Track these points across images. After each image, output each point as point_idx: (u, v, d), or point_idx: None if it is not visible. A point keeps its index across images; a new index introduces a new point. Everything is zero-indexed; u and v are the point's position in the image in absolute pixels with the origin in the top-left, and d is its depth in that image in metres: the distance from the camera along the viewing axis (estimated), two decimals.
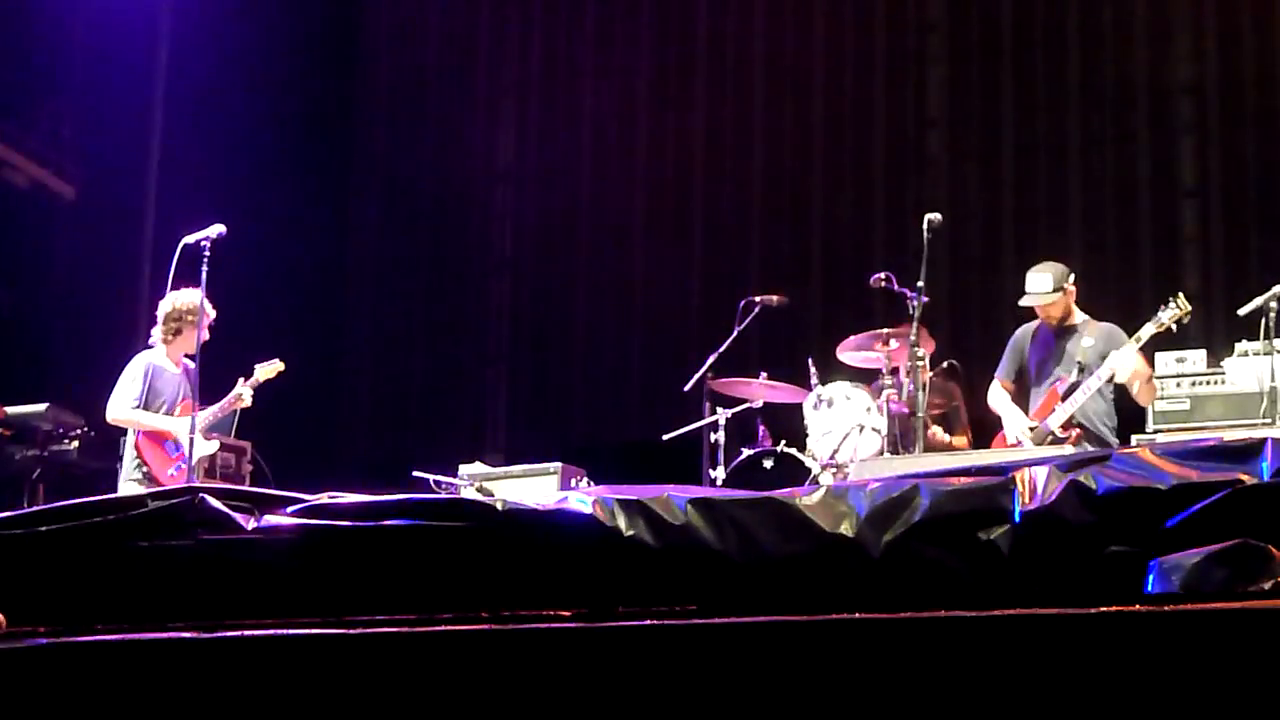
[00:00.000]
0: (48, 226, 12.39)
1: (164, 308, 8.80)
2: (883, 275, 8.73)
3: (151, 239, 12.27)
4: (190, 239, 8.31)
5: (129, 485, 8.65)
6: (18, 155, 11.98)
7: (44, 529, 4.04)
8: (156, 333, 8.86)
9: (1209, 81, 10.85)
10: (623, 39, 12.64)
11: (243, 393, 8.83)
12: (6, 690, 3.58)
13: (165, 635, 3.64)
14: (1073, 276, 8.64)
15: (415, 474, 8.94)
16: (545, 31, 12.88)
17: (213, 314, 8.71)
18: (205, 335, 8.68)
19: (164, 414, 8.71)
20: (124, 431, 8.87)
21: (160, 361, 8.82)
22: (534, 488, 8.80)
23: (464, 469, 9.41)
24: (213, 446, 8.85)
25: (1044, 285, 8.57)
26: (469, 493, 8.87)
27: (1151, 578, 3.48)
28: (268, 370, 8.96)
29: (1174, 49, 10.94)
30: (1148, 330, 8.17)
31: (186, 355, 8.90)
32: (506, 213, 12.91)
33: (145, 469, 8.65)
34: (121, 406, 8.72)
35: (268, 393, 9.03)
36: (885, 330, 8.91)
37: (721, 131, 12.21)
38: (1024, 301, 8.69)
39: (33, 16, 12.07)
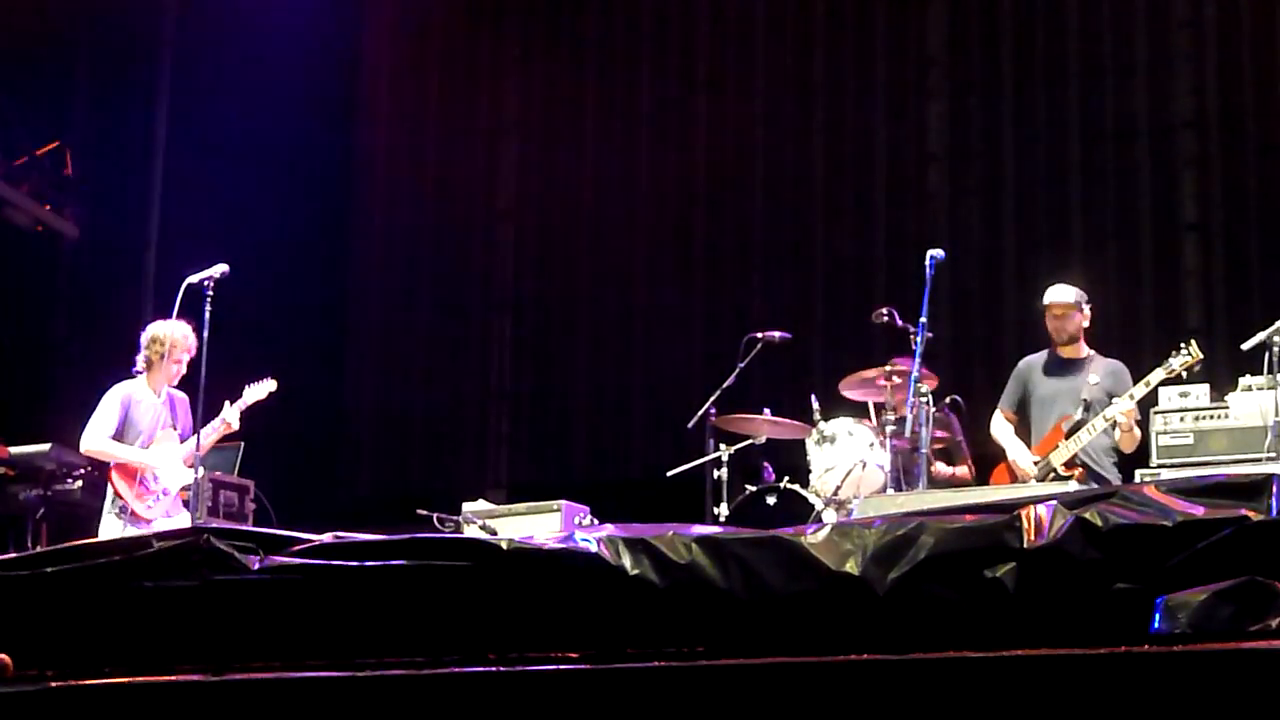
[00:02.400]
0: (50, 265, 12.42)
1: (144, 336, 8.78)
2: (884, 310, 8.74)
3: (154, 277, 12.31)
4: (194, 278, 8.31)
5: (108, 521, 8.62)
6: (20, 194, 12.01)
7: (49, 570, 4.04)
8: (139, 360, 8.78)
9: (1210, 115, 10.87)
10: (623, 75, 12.67)
11: (229, 417, 8.73)
12: None
13: (172, 679, 3.63)
14: (1089, 305, 8.69)
15: (419, 512, 8.92)
16: (545, 69, 12.91)
17: (191, 350, 8.68)
18: (179, 370, 8.71)
19: (140, 445, 8.59)
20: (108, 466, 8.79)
21: (138, 391, 8.72)
22: (537, 525, 8.78)
23: (467, 506, 9.38)
24: (190, 476, 8.69)
25: (1066, 295, 8.64)
26: (473, 531, 8.87)
27: (1157, 616, 3.47)
28: (258, 391, 8.91)
29: (1174, 83, 10.97)
30: (1157, 376, 8.19)
31: (173, 386, 8.85)
32: (508, 250, 12.91)
33: (120, 503, 8.55)
34: (94, 437, 8.62)
35: (270, 431, 9.02)
36: (887, 365, 8.91)
37: (722, 166, 12.23)
38: (1046, 299, 8.71)
39: (37, 56, 12.13)
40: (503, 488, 12.02)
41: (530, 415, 12.62)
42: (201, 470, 8.66)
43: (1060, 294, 8.68)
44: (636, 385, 12.15)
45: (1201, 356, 8.11)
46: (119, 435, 8.61)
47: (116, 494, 8.60)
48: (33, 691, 3.63)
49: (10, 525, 9.85)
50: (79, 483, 9.97)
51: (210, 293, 8.30)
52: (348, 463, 12.75)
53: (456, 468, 12.37)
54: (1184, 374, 8.18)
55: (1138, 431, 8.39)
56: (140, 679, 3.68)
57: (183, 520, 8.60)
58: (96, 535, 8.42)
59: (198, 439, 8.47)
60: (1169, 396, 8.67)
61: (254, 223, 11.96)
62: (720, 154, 12.27)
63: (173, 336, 8.64)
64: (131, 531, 8.19)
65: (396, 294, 12.92)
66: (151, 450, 8.65)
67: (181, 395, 8.90)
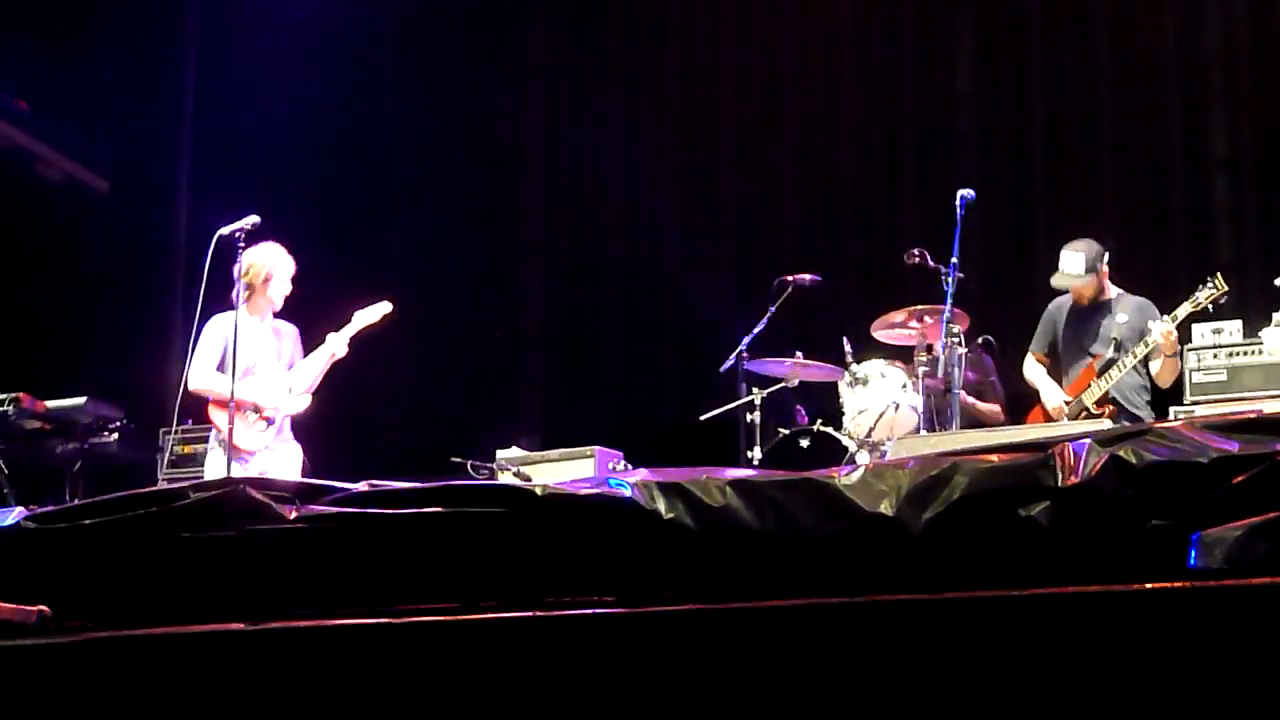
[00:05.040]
0: (81, 220, 12.43)
1: (239, 265, 8.39)
2: (915, 252, 8.70)
3: (185, 230, 12.31)
4: (225, 230, 8.21)
5: (212, 455, 8.48)
6: (50, 149, 12.02)
7: (87, 522, 4.06)
8: (240, 290, 8.41)
9: (1240, 50, 10.75)
10: (651, 22, 12.61)
11: (335, 344, 8.55)
12: (55, 684, 3.60)
13: (211, 628, 3.65)
14: (1106, 256, 8.63)
15: (453, 460, 8.94)
16: (577, 13, 12.87)
17: (291, 271, 8.56)
18: (281, 294, 8.56)
19: (241, 376, 8.19)
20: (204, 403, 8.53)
21: (239, 321, 8.26)
22: (571, 471, 8.80)
23: (501, 454, 9.41)
24: (299, 405, 8.57)
25: (1076, 266, 8.57)
26: (507, 478, 8.89)
27: (1193, 552, 3.46)
28: (369, 315, 8.69)
29: (1204, 16, 10.85)
30: (1184, 309, 8.14)
31: (278, 314, 8.67)
32: (538, 196, 12.88)
33: (221, 436, 8.28)
34: (199, 375, 8.34)
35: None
36: (919, 307, 8.88)
37: (751, 110, 12.18)
38: (1055, 282, 8.68)
39: (64, 8, 12.12)
40: (536, 434, 12.02)
41: (562, 362, 12.61)
42: (308, 401, 8.56)
43: (1068, 275, 8.60)
44: (668, 330, 12.13)
45: (1227, 289, 8.05)
46: (219, 367, 8.35)
47: (215, 427, 8.41)
48: (72, 642, 3.65)
49: (48, 479, 9.89)
50: (115, 435, 10.03)
51: (242, 245, 8.24)
52: (380, 414, 12.76)
53: (490, 416, 12.37)
54: (1210, 307, 8.12)
55: (1179, 361, 8.37)
56: (178, 628, 3.70)
57: (286, 453, 8.54)
58: (141, 486, 8.35)
59: (303, 368, 8.46)
60: (1202, 333, 8.64)
61: (285, 172, 11.95)
62: (748, 97, 12.21)
63: (269, 260, 8.48)
64: (236, 466, 8.11)
65: (427, 244, 12.89)
66: (253, 381, 8.40)
67: (289, 325, 8.72)
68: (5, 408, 9.79)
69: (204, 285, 8.11)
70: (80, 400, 10.02)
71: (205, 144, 12.66)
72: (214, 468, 8.39)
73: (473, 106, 13.05)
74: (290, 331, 8.74)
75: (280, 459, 8.49)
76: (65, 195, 12.23)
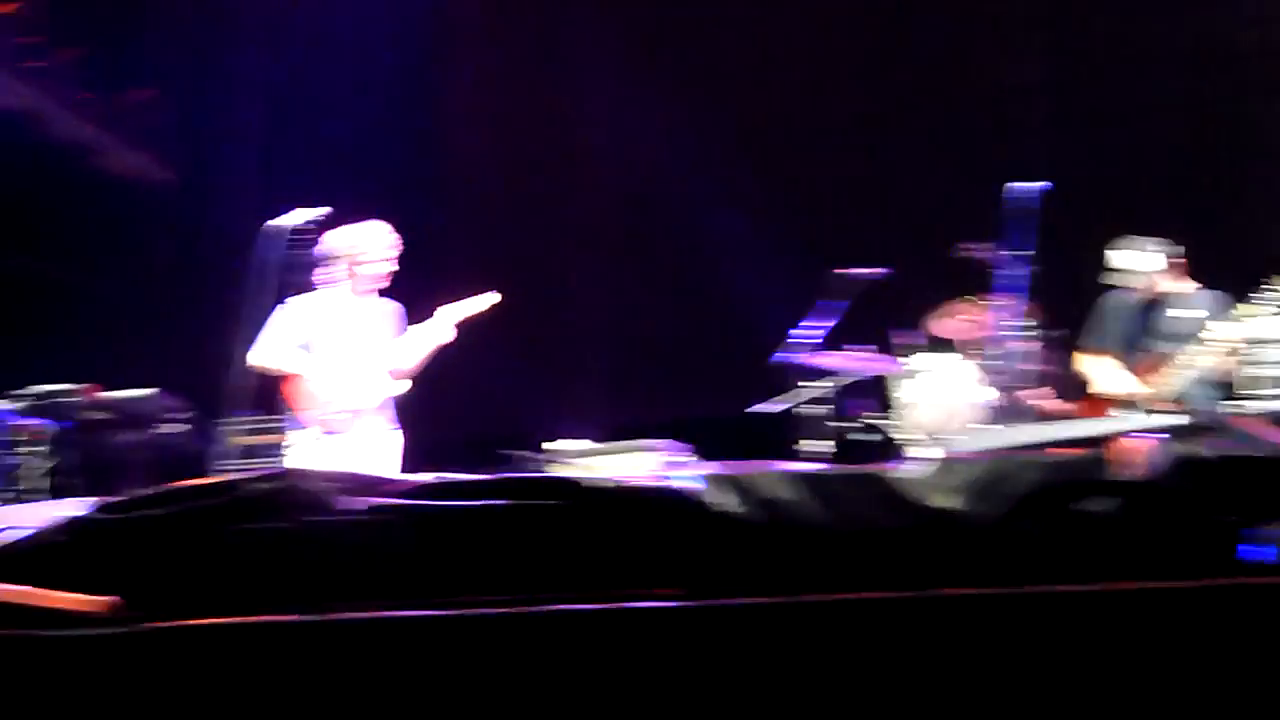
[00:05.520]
0: (149, 212, 12.50)
1: (325, 246, 8.23)
2: (974, 244, 8.64)
3: (254, 221, 12.37)
4: (295, 220, 8.11)
5: (293, 436, 8.19)
6: (114, 139, 12.10)
7: (139, 514, 4.06)
8: (333, 270, 8.24)
9: None
10: (702, 7, 12.61)
11: (439, 327, 8.21)
12: (120, 674, 3.62)
13: (268, 619, 3.65)
14: (1164, 256, 8.55)
15: (502, 452, 8.90)
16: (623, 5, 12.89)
17: (388, 249, 8.25)
18: (377, 273, 8.23)
19: (321, 360, 8.05)
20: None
21: (325, 302, 8.16)
22: (632, 464, 8.78)
23: (554, 445, 9.40)
24: (397, 386, 8.24)
25: (1140, 260, 8.52)
26: (557, 470, 8.88)
27: (1254, 547, 3.44)
28: (476, 303, 8.36)
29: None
30: (1250, 306, 8.06)
31: (379, 292, 8.34)
32: (598, 181, 12.85)
33: (297, 418, 8.10)
34: (255, 350, 8.06)
35: None
36: (980, 298, 8.83)
37: (808, 97, 12.12)
38: (1117, 276, 8.62)
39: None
40: (591, 426, 12.00)
41: (618, 352, 12.60)
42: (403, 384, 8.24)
43: (1131, 266, 8.53)
44: (724, 320, 12.09)
45: None
46: (305, 347, 8.11)
47: (290, 409, 8.14)
48: (126, 633, 3.66)
49: (109, 472, 9.94)
50: (180, 427, 10.06)
51: (310, 236, 8.14)
52: (427, 400, 12.73)
53: (544, 405, 12.36)
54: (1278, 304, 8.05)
55: (1241, 359, 8.29)
56: (235, 619, 3.70)
57: (379, 438, 8.21)
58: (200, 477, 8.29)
59: (399, 349, 8.12)
60: (1264, 327, 8.54)
61: (348, 163, 11.98)
62: (806, 84, 12.15)
63: (352, 239, 8.24)
64: (317, 452, 7.95)
65: (487, 225, 12.87)
66: (332, 361, 8.12)
67: (390, 303, 8.36)
68: (71, 399, 9.85)
69: (274, 276, 8.03)
70: (147, 391, 10.07)
71: (274, 134, 12.70)
72: (295, 450, 8.14)
73: (523, 91, 13.02)
74: (390, 310, 8.35)
75: (372, 445, 8.16)
76: (131, 188, 12.30)
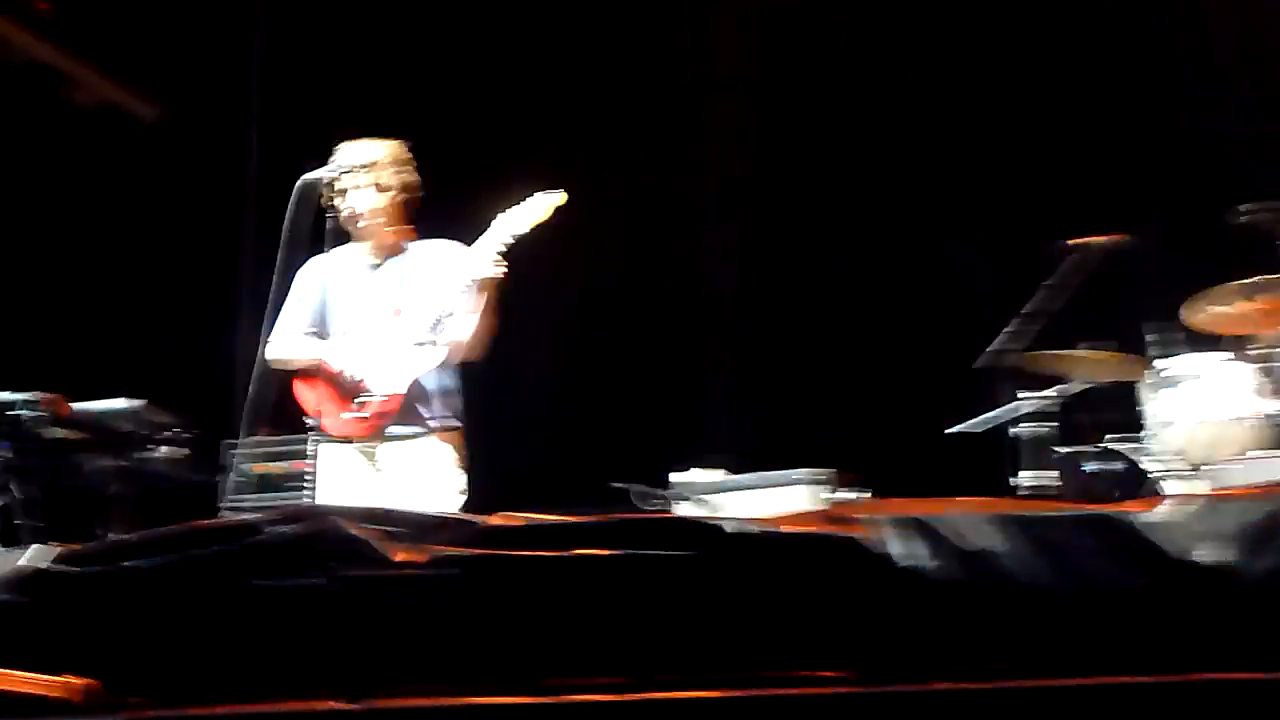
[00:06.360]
0: (126, 158, 12.66)
1: (316, 186, 8.04)
2: (1253, 206, 8.60)
3: (257, 174, 12.55)
4: (310, 176, 8.21)
5: (311, 440, 8.16)
6: (89, 70, 12.28)
7: (127, 564, 4.11)
8: (339, 219, 8.18)
9: None
10: None
11: (474, 265, 7.79)
12: None
13: (296, 706, 3.71)
14: None
15: (612, 485, 8.98)
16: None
17: (412, 177, 8.19)
18: (398, 212, 8.15)
19: (339, 339, 8.06)
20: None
21: (342, 263, 8.18)
22: (774, 501, 8.82)
23: (677, 477, 9.46)
24: (436, 356, 7.98)
25: None
26: (689, 509, 8.94)
27: None
28: (532, 210, 7.79)
29: None
30: None
31: (407, 240, 8.23)
32: (731, 129, 12.94)
33: (308, 420, 8.10)
34: (273, 343, 8.12)
35: None
36: (1258, 280, 8.77)
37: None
38: None
39: None
40: (726, 453, 12.05)
41: (762, 354, 12.64)
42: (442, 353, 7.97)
43: None
44: (906, 310, 12.09)
45: None
46: (320, 329, 8.16)
47: (303, 410, 8.15)
48: None
49: (77, 504, 10.04)
50: (168, 449, 10.14)
51: (333, 195, 8.25)
52: (513, 420, 12.84)
53: (663, 427, 12.42)
54: None
55: None
56: (248, 708, 3.76)
57: (422, 448, 8.03)
58: (202, 517, 8.30)
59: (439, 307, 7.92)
60: None
61: (373, 106, 12.13)
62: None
63: (371, 161, 8.11)
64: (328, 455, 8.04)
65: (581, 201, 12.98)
66: (350, 344, 8.08)
67: (425, 251, 8.21)
68: (22, 411, 9.94)
69: (285, 247, 7.95)
70: (123, 402, 10.15)
71: (279, 67, 12.90)
72: (329, 483, 8.09)
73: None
74: (426, 261, 8.14)
75: (411, 457, 8.04)
76: (105, 124, 12.47)
